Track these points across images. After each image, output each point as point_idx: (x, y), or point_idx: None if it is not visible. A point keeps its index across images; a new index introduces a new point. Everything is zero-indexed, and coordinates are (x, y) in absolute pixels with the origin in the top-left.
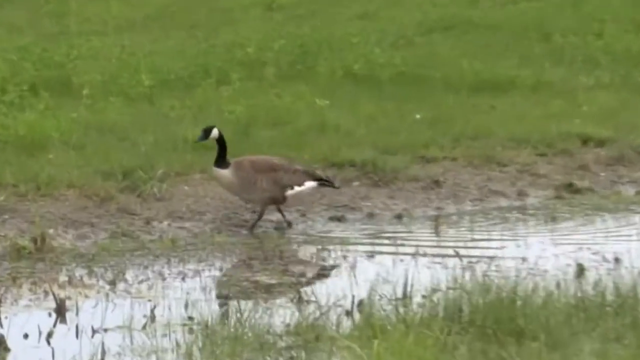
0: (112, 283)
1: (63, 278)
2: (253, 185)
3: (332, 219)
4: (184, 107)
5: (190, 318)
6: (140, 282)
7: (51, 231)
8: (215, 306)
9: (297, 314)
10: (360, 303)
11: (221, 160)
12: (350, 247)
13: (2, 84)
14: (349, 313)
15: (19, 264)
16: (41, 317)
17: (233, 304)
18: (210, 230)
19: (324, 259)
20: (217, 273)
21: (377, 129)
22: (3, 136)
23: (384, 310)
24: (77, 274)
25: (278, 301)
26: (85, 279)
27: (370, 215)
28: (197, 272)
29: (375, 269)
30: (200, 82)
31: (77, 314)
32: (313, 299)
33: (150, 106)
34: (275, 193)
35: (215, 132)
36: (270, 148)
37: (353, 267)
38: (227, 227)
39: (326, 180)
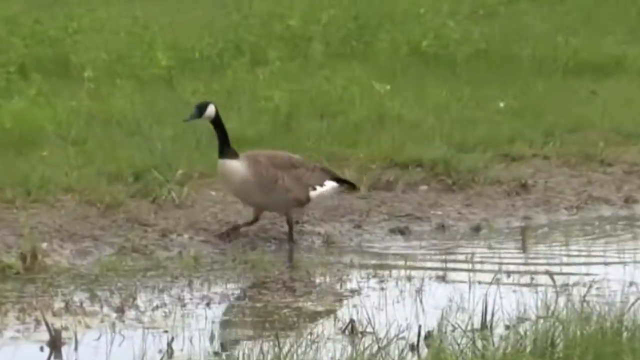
0: (120, 310)
1: (59, 304)
2: (273, 184)
3: (393, 231)
4: (210, 93)
5: (216, 353)
6: (155, 308)
7: (44, 246)
8: (247, 339)
9: (349, 348)
10: (429, 335)
11: (227, 150)
12: (416, 266)
13: None
14: (414, 347)
15: (5, 286)
16: (31, 351)
17: (270, 335)
18: (241, 245)
19: (383, 281)
20: (250, 298)
21: (450, 121)
22: None
23: (458, 343)
24: (76, 299)
25: (326, 332)
26: (86, 305)
27: (441, 227)
28: (225, 297)
29: (447, 294)
30: (231, 61)
31: (75, 348)
32: (369, 329)
33: (168, 91)
34: (299, 193)
35: (211, 110)
36: (317, 144)
37: (419, 290)
38: (262, 240)
39: (345, 181)
